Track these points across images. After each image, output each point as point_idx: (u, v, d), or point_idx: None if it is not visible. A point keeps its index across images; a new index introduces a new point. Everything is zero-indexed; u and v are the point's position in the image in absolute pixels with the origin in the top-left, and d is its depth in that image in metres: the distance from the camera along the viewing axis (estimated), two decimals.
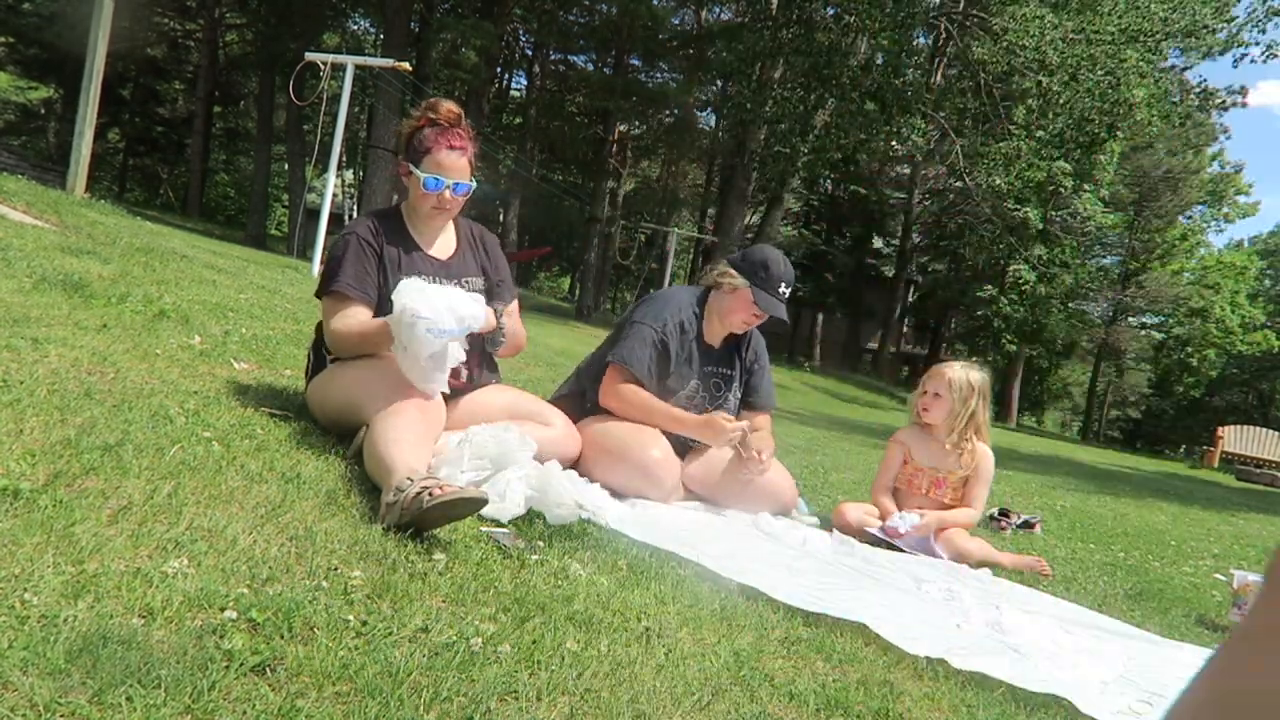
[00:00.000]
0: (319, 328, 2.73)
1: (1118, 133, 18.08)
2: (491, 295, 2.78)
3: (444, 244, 2.73)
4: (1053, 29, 16.24)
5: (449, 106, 2.62)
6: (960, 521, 3.21)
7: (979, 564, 3.06)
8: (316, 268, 10.22)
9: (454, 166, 2.57)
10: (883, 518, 3.19)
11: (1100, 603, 2.84)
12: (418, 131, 2.59)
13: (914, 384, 3.52)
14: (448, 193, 2.57)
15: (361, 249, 2.54)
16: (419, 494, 1.78)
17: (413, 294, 2.25)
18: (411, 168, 2.58)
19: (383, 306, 2.56)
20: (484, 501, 1.89)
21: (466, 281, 2.70)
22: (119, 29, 10.24)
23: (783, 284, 3.00)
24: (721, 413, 2.95)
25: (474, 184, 2.64)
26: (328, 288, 2.53)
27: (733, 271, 3.03)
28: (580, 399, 3.06)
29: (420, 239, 2.67)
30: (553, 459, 2.48)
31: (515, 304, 2.92)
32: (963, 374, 3.26)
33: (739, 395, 3.19)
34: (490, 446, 2.23)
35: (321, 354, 2.63)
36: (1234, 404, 38.38)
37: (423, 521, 1.79)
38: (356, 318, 2.49)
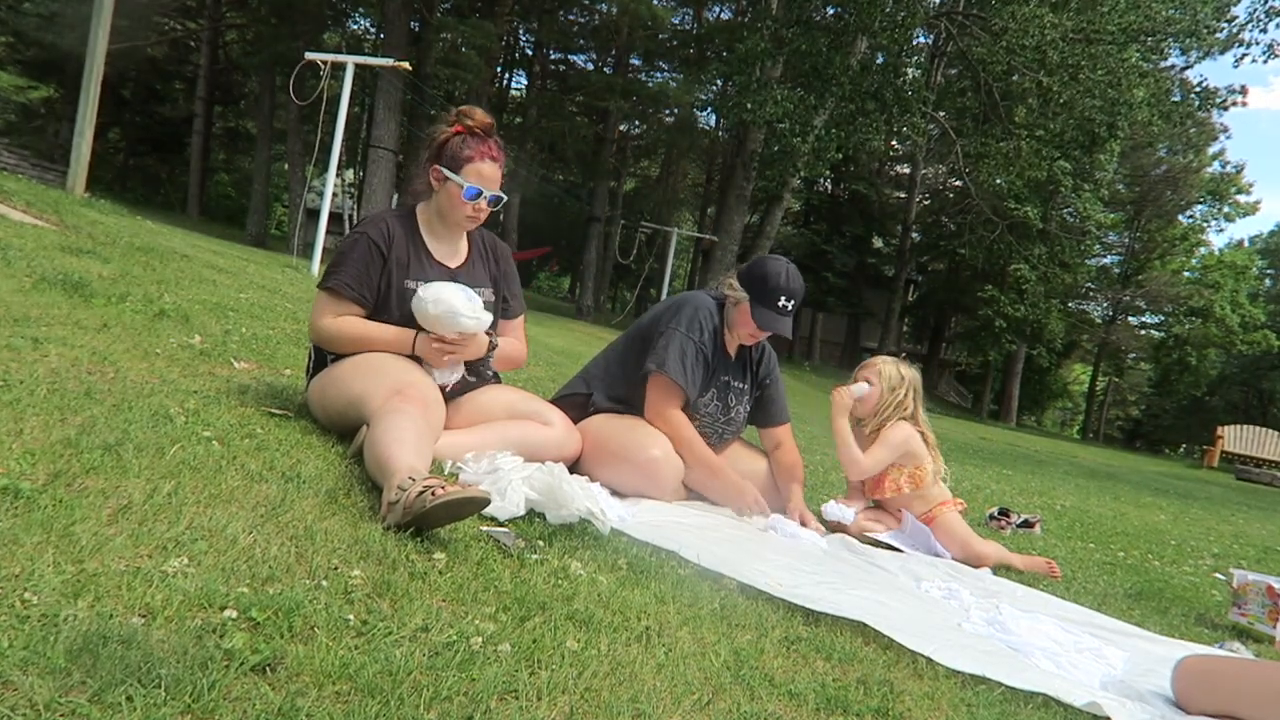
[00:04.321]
0: None
1: (1118, 132, 18.05)
2: (501, 310, 2.78)
3: (455, 252, 2.71)
4: (1053, 28, 16.22)
5: (483, 115, 2.61)
6: (845, 455, 3.17)
7: (997, 566, 3.07)
8: (316, 267, 10.21)
9: (492, 177, 2.59)
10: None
11: (1100, 602, 2.84)
12: (454, 138, 2.58)
13: None
14: (484, 203, 2.59)
15: (369, 250, 2.54)
16: (421, 493, 1.78)
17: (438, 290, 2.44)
18: (447, 174, 2.56)
19: (380, 309, 2.56)
20: (486, 501, 1.89)
21: (477, 291, 2.69)
22: (119, 29, 10.23)
23: (783, 297, 2.89)
24: (757, 493, 2.93)
25: (504, 196, 2.66)
26: (325, 283, 2.55)
27: (736, 284, 2.98)
28: (585, 401, 3.04)
29: (432, 244, 2.66)
30: (552, 459, 2.47)
31: (521, 319, 2.91)
32: (893, 366, 3.29)
33: (748, 408, 3.16)
34: (546, 483, 2.25)
35: (322, 353, 2.63)
36: (1234, 404, 38.34)
37: (425, 521, 1.79)
38: (347, 317, 2.51)
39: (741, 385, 3.12)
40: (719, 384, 3.03)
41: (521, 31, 27.87)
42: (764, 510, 2.88)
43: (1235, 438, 18.81)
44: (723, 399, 3.05)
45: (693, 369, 2.89)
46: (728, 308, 3.04)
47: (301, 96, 13.29)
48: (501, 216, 26.40)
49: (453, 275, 2.65)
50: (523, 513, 2.15)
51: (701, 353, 2.92)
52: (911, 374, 3.31)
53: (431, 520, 1.79)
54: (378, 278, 2.54)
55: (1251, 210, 39.03)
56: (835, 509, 3.09)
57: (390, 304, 2.56)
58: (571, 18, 26.24)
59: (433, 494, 1.77)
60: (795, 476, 3.10)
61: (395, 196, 20.11)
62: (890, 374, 3.26)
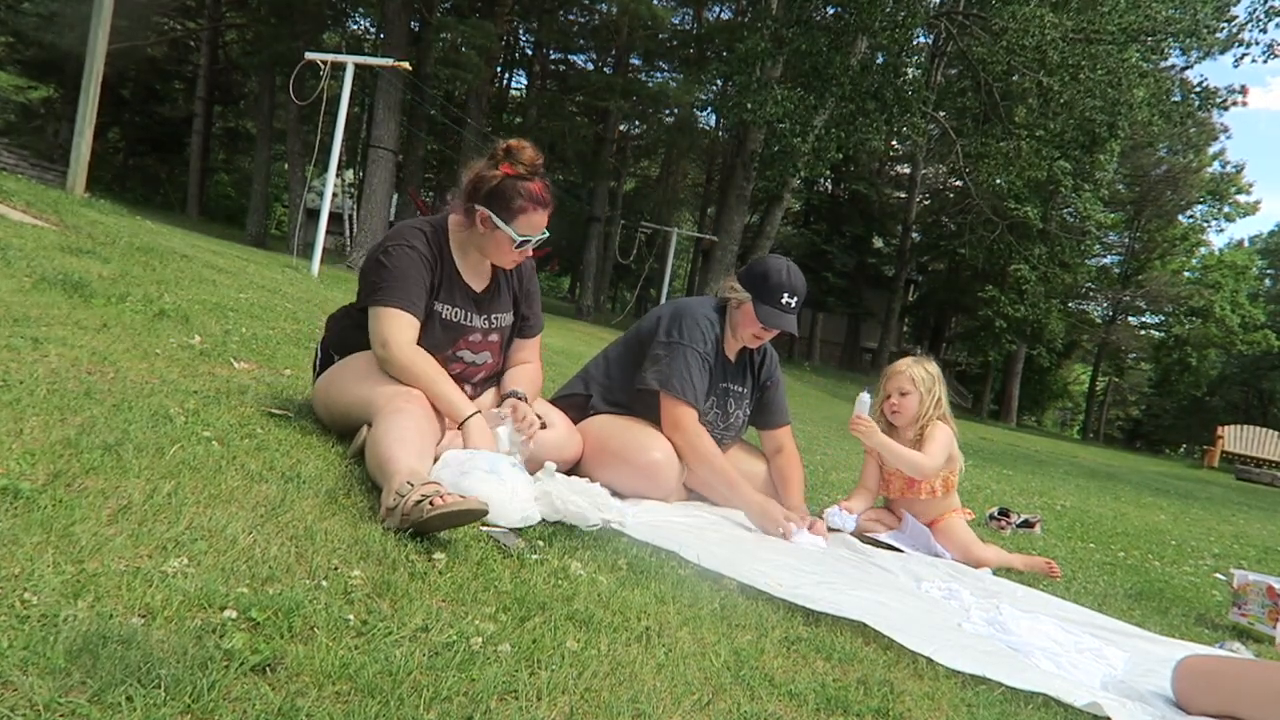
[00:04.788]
0: (329, 323, 2.71)
1: (1118, 132, 18.05)
2: (518, 330, 2.76)
3: (482, 274, 2.64)
4: (1053, 28, 16.23)
5: (532, 153, 2.50)
6: (907, 462, 3.16)
7: (997, 568, 3.07)
8: (316, 267, 10.20)
9: (541, 224, 2.53)
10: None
11: (1100, 602, 2.84)
12: (504, 183, 2.47)
13: None
14: (530, 247, 2.55)
15: (421, 266, 2.46)
16: (419, 502, 1.77)
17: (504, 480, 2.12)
18: (498, 223, 2.46)
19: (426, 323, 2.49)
20: (484, 511, 1.87)
21: (495, 318, 2.65)
22: (119, 29, 10.23)
23: (785, 294, 2.89)
24: (784, 510, 2.82)
25: (549, 232, 2.60)
26: (391, 300, 2.40)
27: (738, 285, 2.98)
28: (585, 402, 3.04)
29: (461, 265, 2.58)
30: (553, 460, 2.47)
31: (538, 338, 2.88)
32: (920, 368, 3.27)
33: (748, 412, 3.16)
34: (565, 499, 2.22)
35: (329, 352, 2.62)
36: (1234, 404, 38.34)
37: (422, 529, 1.79)
38: (425, 354, 2.40)
39: (742, 389, 3.11)
40: (718, 391, 3.03)
41: (521, 31, 27.87)
42: (788, 530, 2.75)
43: (1235, 438, 18.83)
44: (722, 406, 3.05)
45: (698, 381, 2.88)
46: (730, 311, 3.04)
47: (301, 96, 13.29)
48: None
49: (477, 300, 2.60)
50: (521, 526, 2.14)
51: (706, 362, 2.92)
52: (935, 369, 3.32)
53: (429, 529, 1.79)
54: (427, 291, 2.48)
55: (1251, 210, 39.02)
56: (838, 516, 3.08)
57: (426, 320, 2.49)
58: (571, 18, 26.24)
59: (430, 504, 1.77)
60: (796, 481, 3.09)
61: (395, 196, 20.08)
62: (923, 377, 3.24)
